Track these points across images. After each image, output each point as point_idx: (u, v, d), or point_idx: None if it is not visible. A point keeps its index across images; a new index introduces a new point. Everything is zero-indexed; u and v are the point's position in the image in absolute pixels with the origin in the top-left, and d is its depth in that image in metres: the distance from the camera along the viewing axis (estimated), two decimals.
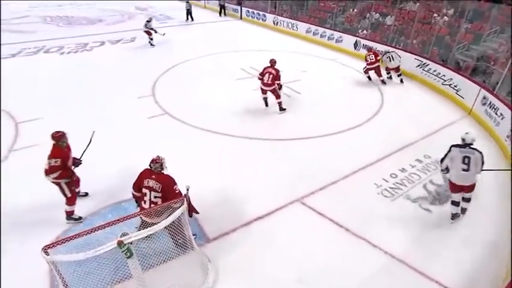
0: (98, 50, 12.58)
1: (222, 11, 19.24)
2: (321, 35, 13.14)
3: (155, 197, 3.47)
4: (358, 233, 4.19)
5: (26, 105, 7.66)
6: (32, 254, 3.33)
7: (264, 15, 16.62)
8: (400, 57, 9.25)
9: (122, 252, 2.79)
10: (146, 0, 23.57)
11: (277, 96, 7.32)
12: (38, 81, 9.25)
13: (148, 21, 12.68)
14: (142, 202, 3.57)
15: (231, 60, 11.02)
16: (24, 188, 4.95)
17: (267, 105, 7.54)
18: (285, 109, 7.44)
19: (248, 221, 4.35)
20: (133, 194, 3.76)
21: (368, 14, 12.71)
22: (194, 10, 18.34)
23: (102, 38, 14.17)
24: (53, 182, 4.16)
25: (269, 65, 7.22)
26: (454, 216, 4.42)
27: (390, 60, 9.19)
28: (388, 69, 9.45)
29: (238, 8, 18.51)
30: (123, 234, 2.83)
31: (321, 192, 4.93)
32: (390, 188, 5.06)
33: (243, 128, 6.67)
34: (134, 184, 3.66)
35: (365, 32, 12.23)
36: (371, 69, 9.15)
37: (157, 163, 3.54)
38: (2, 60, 11.33)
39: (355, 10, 13.80)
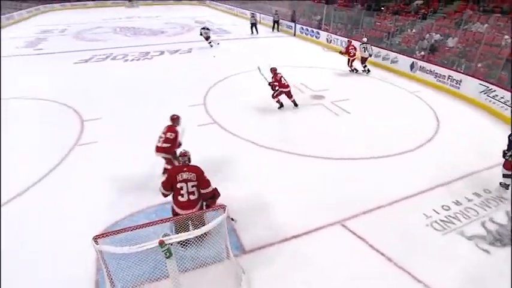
0: (157, 58, 13.53)
1: (276, 26, 19.67)
2: (375, 55, 12.80)
3: (192, 186, 3.74)
4: (402, 264, 3.91)
5: (91, 105, 8.47)
6: (83, 243, 3.61)
7: (318, 33, 16.67)
8: (372, 50, 11.50)
9: (162, 251, 2.90)
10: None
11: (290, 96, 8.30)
12: (103, 85, 10.18)
13: (203, 29, 15.17)
14: (179, 196, 3.75)
15: (282, 75, 11.13)
16: (82, 181, 5.42)
17: (296, 105, 8.47)
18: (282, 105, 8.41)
19: (286, 237, 4.28)
20: (164, 194, 3.90)
21: (427, 35, 12.14)
22: (248, 25, 19.05)
23: (162, 48, 15.24)
24: (164, 157, 5.12)
25: (272, 74, 8.18)
26: (508, 186, 5.20)
27: (364, 51, 11.06)
28: (362, 60, 11.29)
29: (292, 24, 18.80)
30: (165, 235, 2.95)
31: (364, 216, 4.71)
32: (441, 220, 4.67)
33: (288, 142, 6.66)
34: (165, 184, 3.81)
35: (422, 53, 11.68)
36: (353, 60, 11.20)
37: (185, 156, 3.87)
38: (76, 64, 12.68)
39: (414, 30, 13.28)
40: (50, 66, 12.32)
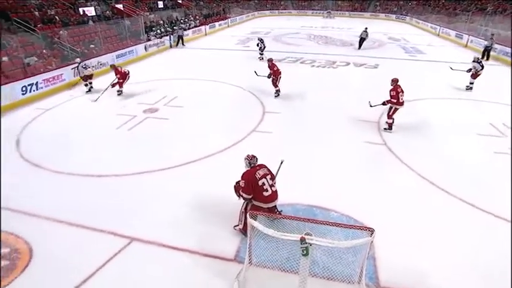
0: (342, 69, 13.86)
1: (486, 54, 16.18)
2: None
3: (270, 178, 4.10)
4: None
5: (274, 99, 9.68)
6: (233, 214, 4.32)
7: None
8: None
9: (301, 248, 3.03)
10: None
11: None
12: (289, 84, 11.21)
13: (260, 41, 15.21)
14: (264, 192, 4.01)
15: (479, 110, 9.28)
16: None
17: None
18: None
19: None
20: (246, 198, 4.06)
21: None
22: (454, 49, 16.66)
23: (348, 59, 15.48)
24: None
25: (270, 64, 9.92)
26: None
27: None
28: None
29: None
30: (307, 234, 3.07)
31: None
32: None
33: (462, 189, 5.51)
34: (247, 189, 3.98)
35: None
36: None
37: (254, 157, 4.18)
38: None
39: None
40: (250, 61, 14.66)
